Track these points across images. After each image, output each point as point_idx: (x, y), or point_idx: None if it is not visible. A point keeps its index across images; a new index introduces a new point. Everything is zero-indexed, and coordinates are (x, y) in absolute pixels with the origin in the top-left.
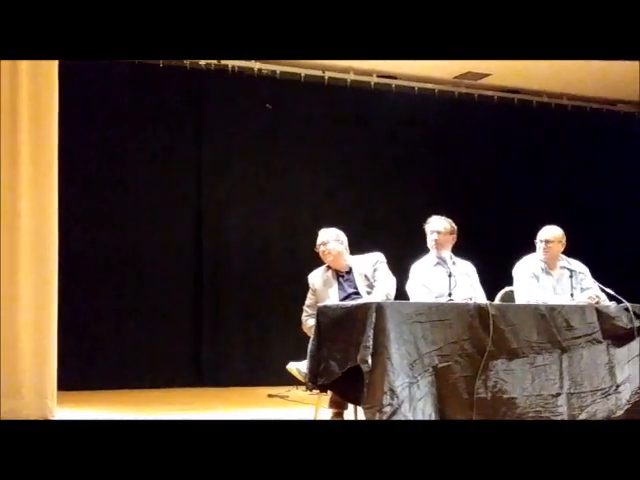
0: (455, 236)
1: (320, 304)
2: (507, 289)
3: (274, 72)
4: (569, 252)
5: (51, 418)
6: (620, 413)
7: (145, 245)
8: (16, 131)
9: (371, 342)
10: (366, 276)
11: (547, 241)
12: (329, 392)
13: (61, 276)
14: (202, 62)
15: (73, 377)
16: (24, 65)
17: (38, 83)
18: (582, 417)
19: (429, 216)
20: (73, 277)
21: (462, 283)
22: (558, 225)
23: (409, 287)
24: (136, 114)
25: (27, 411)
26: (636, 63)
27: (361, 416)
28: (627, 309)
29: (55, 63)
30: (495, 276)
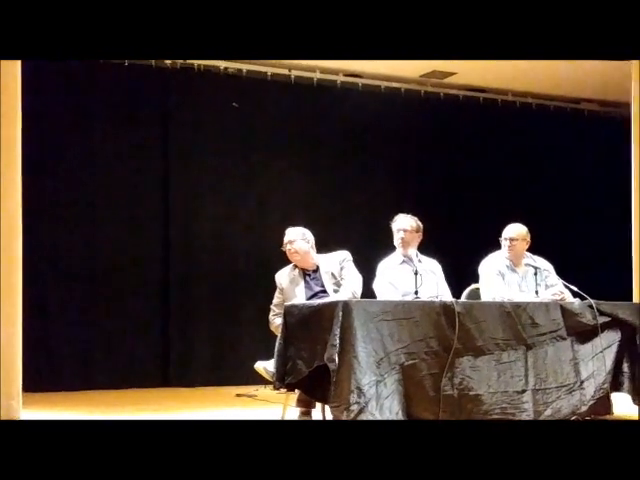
0: (421, 234)
1: (287, 303)
2: (473, 286)
3: (240, 71)
4: (534, 249)
5: (15, 419)
6: (584, 409)
7: (112, 245)
8: None
9: (338, 340)
10: (333, 274)
11: (512, 239)
12: (297, 391)
13: (26, 278)
14: (167, 61)
15: (39, 378)
16: None
17: (0, 81)
18: (547, 413)
19: (395, 214)
20: (39, 279)
21: (428, 281)
22: (522, 222)
23: (376, 285)
24: (101, 114)
25: None
26: (600, 62)
27: (329, 414)
28: (591, 306)
29: (17, 62)
30: (461, 274)
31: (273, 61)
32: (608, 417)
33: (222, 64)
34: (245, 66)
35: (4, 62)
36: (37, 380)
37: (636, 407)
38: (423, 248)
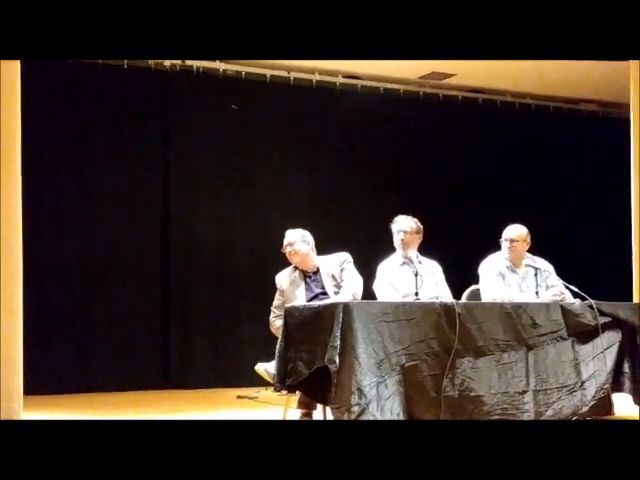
0: (421, 235)
1: (288, 305)
2: (473, 287)
3: (239, 73)
4: (533, 250)
5: (15, 420)
6: (585, 409)
7: (112, 248)
8: None
9: (339, 342)
10: (333, 276)
11: (512, 240)
12: (297, 393)
13: (27, 281)
14: (167, 62)
15: (40, 381)
16: None
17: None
18: (548, 414)
19: (395, 216)
20: (40, 282)
21: (428, 282)
22: (522, 223)
23: (376, 286)
24: (101, 115)
25: None
26: (598, 63)
27: (330, 416)
28: (591, 306)
29: (17, 63)
30: (461, 275)
31: (272, 63)
32: (609, 417)
33: (221, 66)
34: (244, 68)
35: (3, 62)
36: (38, 382)
37: (637, 407)
38: (423, 249)
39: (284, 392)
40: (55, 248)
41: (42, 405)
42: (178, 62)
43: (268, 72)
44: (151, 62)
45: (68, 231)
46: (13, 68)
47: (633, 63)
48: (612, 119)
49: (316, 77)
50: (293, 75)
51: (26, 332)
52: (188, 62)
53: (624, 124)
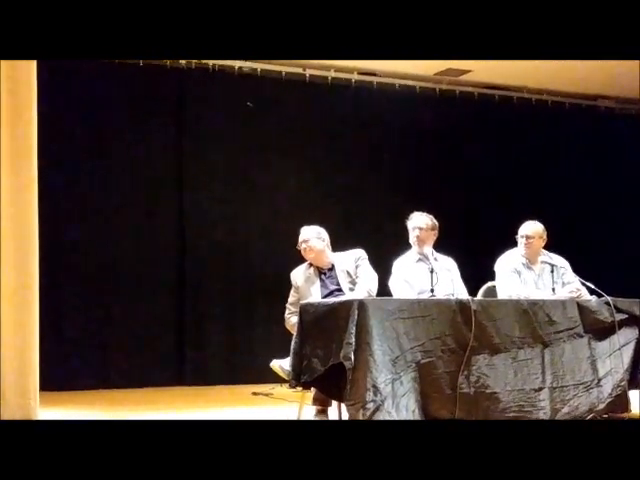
0: (436, 232)
1: (303, 302)
2: (489, 284)
3: (255, 70)
4: (550, 247)
5: (34, 419)
6: (602, 407)
7: (128, 246)
8: None
9: (354, 339)
10: (348, 272)
11: (528, 237)
12: (312, 389)
13: (43, 279)
14: (182, 61)
15: (56, 378)
16: (2, 64)
17: (16, 81)
18: (564, 411)
19: (410, 212)
20: (56, 280)
21: (444, 279)
22: (539, 221)
23: (391, 283)
24: (117, 114)
25: (10, 412)
26: (613, 61)
27: (345, 413)
28: (608, 303)
29: (33, 62)
30: (477, 271)
31: (288, 60)
32: (626, 415)
33: (237, 63)
34: (259, 65)
35: (20, 62)
36: (53, 379)
37: None
38: (439, 246)
39: (299, 389)
40: (72, 248)
41: (58, 402)
42: (193, 60)
43: (283, 69)
44: (167, 60)
45: (84, 232)
46: (30, 67)
47: None
48: (629, 115)
49: (332, 74)
50: (309, 72)
51: (42, 330)
52: (203, 60)
53: None
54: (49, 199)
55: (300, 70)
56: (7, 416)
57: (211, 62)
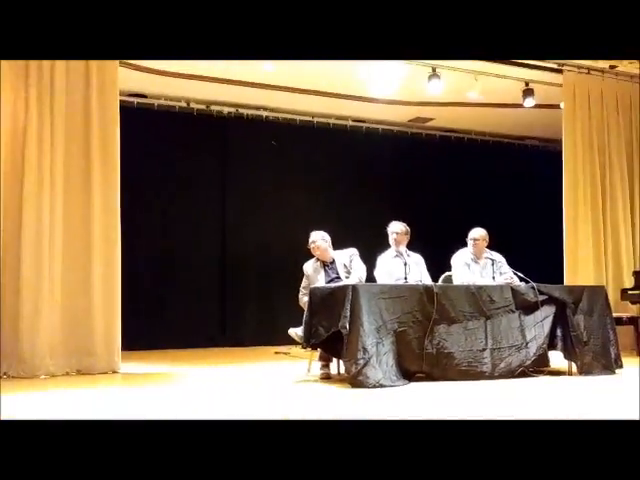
0: (409, 236)
1: (312, 286)
2: (446, 274)
3: (277, 118)
4: (491, 246)
5: (117, 371)
6: (529, 363)
7: (187, 245)
8: (89, 150)
9: (349, 313)
10: (345, 265)
11: (475, 239)
12: (319, 350)
13: (125, 267)
14: (225, 110)
15: (132, 340)
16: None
17: (102, 82)
18: (502, 366)
19: (390, 221)
20: (134, 267)
21: (414, 270)
22: (482, 227)
23: (376, 273)
24: (178, 148)
25: (100, 365)
26: (538, 110)
27: (342, 367)
28: (533, 287)
29: (116, 63)
30: (438, 264)
31: (300, 110)
32: (545, 369)
33: (264, 114)
34: (280, 115)
35: (102, 62)
36: (130, 341)
37: (566, 361)
38: (411, 246)
39: (309, 349)
40: (143, 242)
41: (134, 358)
42: (233, 110)
43: (297, 117)
44: (213, 109)
45: (151, 230)
46: (112, 68)
47: (564, 108)
48: (551, 151)
49: (332, 121)
50: (316, 120)
51: (123, 303)
52: (240, 110)
53: (559, 156)
54: (129, 212)
55: (309, 118)
56: (99, 369)
57: (245, 112)
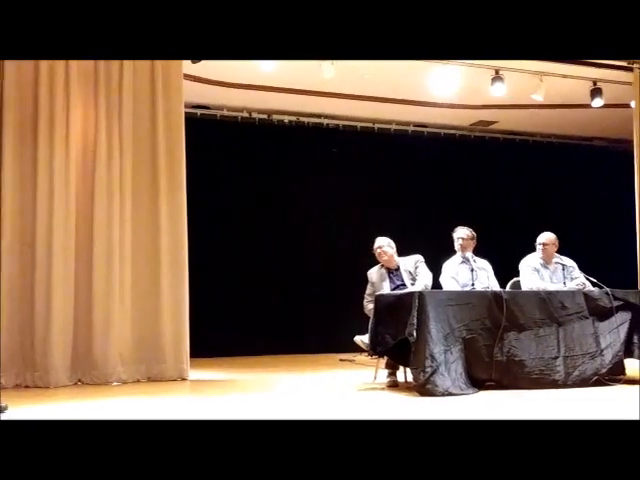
0: (475, 241)
1: (377, 293)
2: (515, 279)
3: (337, 125)
4: (561, 251)
5: (186, 378)
6: (604, 371)
7: (250, 252)
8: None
9: (415, 320)
10: (410, 272)
11: (544, 244)
12: (385, 357)
13: (192, 275)
14: (286, 119)
15: (199, 348)
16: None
17: (168, 85)
18: (575, 374)
19: (455, 227)
20: (203, 276)
21: (481, 276)
22: (552, 231)
23: (442, 279)
24: (239, 158)
25: (169, 373)
26: (607, 110)
27: (410, 375)
28: (607, 293)
29: (181, 63)
30: (505, 270)
31: (361, 116)
32: (621, 377)
33: (325, 121)
34: (341, 122)
35: (167, 63)
36: (198, 349)
37: None
38: (477, 251)
39: (375, 357)
40: (212, 251)
41: (201, 365)
42: (294, 118)
43: (358, 124)
44: (275, 119)
45: (214, 238)
46: (177, 73)
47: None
48: (620, 152)
49: (393, 127)
50: (376, 126)
51: (191, 311)
52: (301, 118)
53: (629, 156)
54: (195, 220)
55: (370, 124)
56: (168, 377)
57: (306, 120)
